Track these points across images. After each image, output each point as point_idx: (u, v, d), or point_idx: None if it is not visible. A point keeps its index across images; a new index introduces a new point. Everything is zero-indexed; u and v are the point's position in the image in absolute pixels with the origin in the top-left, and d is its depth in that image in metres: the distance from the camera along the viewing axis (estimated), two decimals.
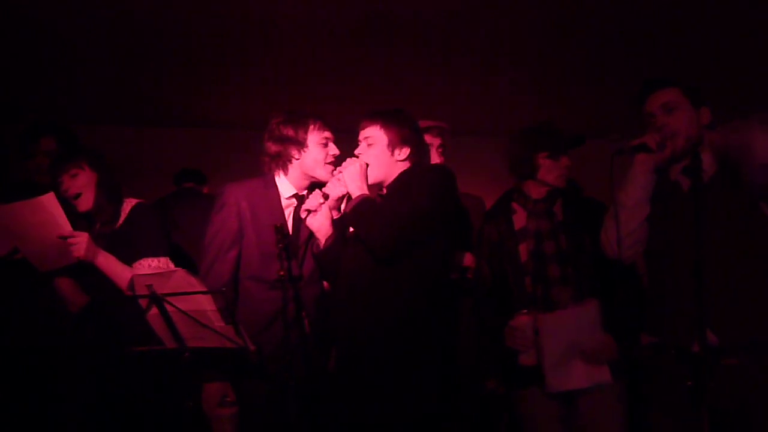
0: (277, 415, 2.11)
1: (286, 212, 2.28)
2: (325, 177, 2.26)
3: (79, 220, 2.38)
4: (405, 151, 2.20)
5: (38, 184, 2.51)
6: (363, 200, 2.08)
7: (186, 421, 2.08)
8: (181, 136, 4.55)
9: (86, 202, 2.40)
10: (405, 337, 2.02)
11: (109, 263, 2.31)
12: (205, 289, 1.92)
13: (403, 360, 2.00)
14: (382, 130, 2.18)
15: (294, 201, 2.29)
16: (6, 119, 3.58)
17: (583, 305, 2.16)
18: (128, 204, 2.46)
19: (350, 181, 2.12)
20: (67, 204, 2.37)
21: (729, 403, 1.79)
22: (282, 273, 2.00)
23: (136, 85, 3.82)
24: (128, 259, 2.34)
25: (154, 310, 1.96)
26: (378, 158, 2.18)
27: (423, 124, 2.51)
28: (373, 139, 2.19)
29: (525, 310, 2.19)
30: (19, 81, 3.60)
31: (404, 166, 2.20)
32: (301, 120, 2.24)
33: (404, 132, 2.20)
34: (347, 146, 2.27)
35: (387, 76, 3.77)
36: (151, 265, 2.31)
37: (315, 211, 2.20)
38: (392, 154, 2.19)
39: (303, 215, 2.22)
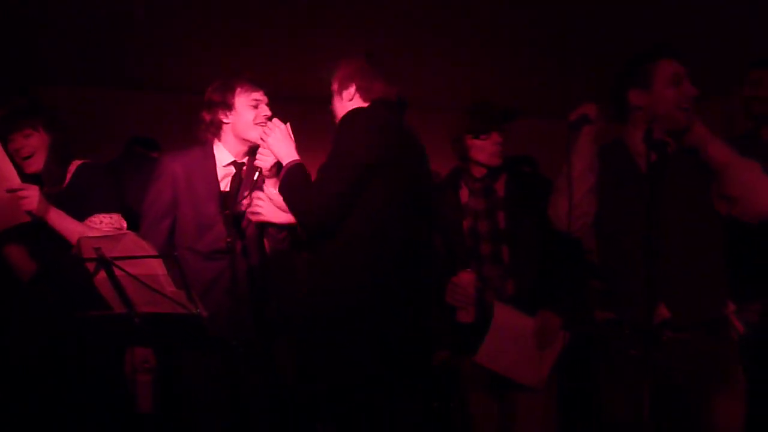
0: (226, 383, 2.10)
1: (224, 181, 2.24)
2: (257, 140, 2.19)
3: (25, 182, 2.28)
4: (350, 91, 2.04)
5: None
6: (289, 169, 1.97)
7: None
8: (136, 98, 4.42)
9: (35, 164, 2.33)
10: (334, 308, 1.94)
11: (61, 219, 2.25)
12: (156, 253, 1.87)
13: (332, 330, 1.94)
14: (336, 71, 2.08)
15: (232, 168, 2.25)
16: None
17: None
18: (73, 165, 2.41)
19: (276, 148, 2.01)
20: (13, 162, 2.29)
21: (674, 376, 1.85)
22: (228, 240, 1.98)
23: (94, 45, 3.67)
24: (78, 218, 2.29)
25: (102, 274, 1.90)
26: (335, 106, 2.09)
27: None
28: (332, 85, 2.08)
29: (468, 269, 2.23)
30: None
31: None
32: (228, 83, 2.21)
33: (350, 68, 2.05)
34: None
35: (354, 44, 3.69)
36: (103, 221, 2.28)
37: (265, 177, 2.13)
38: (342, 97, 2.06)
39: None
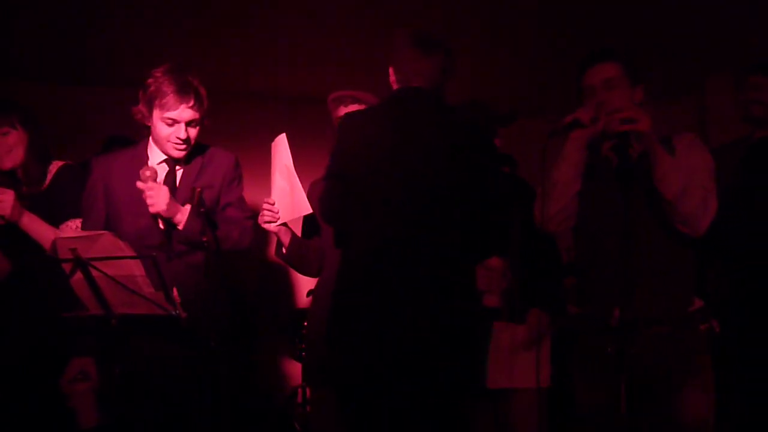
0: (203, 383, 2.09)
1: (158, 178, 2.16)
2: (175, 155, 2.15)
3: (2, 178, 2.27)
4: (391, 76, 2.07)
5: None
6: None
7: (116, 387, 2.03)
8: (112, 96, 4.35)
9: (12, 161, 2.29)
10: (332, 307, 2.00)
11: (33, 224, 2.20)
12: (134, 254, 1.85)
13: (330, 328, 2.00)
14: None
15: (165, 166, 2.19)
16: None
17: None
18: (54, 166, 2.37)
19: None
20: None
21: (646, 370, 1.88)
22: (205, 239, 1.95)
23: (69, 41, 3.60)
24: (54, 222, 2.25)
25: (78, 275, 1.88)
26: None
27: (333, 95, 2.48)
28: None
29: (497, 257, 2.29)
30: None
31: None
32: (150, 94, 2.10)
33: (391, 47, 2.05)
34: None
35: (351, 46, 3.67)
36: (78, 226, 2.23)
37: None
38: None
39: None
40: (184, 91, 2.08)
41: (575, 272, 2.07)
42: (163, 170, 2.18)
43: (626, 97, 1.93)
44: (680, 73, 4.04)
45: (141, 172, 2.06)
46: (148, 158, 2.18)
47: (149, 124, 2.15)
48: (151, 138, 2.19)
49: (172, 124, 2.10)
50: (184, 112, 2.09)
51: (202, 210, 2.02)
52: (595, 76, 1.95)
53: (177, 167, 2.19)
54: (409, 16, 3.19)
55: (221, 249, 2.12)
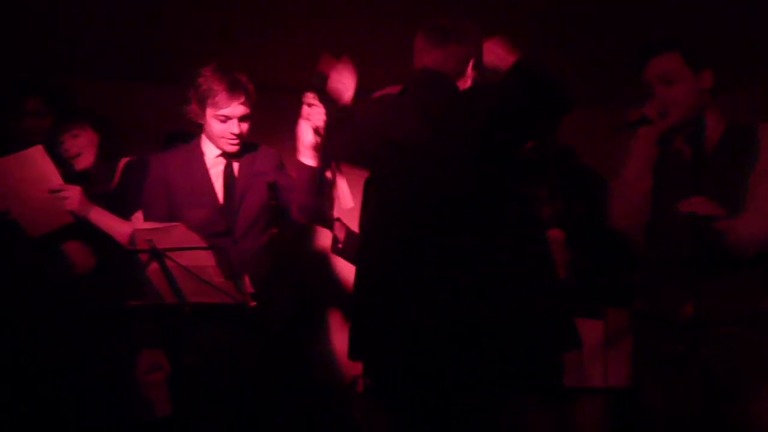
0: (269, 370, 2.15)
1: (215, 172, 2.24)
2: (229, 150, 2.21)
3: (75, 179, 2.35)
4: None
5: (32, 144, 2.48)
6: None
7: (188, 376, 2.11)
8: (173, 93, 4.47)
9: (84, 161, 2.39)
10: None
11: (103, 217, 2.28)
12: (205, 245, 1.93)
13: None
14: None
15: (223, 159, 2.25)
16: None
17: None
18: (122, 162, 2.47)
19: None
20: (64, 163, 2.35)
21: (722, 370, 1.81)
22: (275, 231, 2.00)
23: (136, 39, 3.72)
24: (126, 216, 2.33)
25: (154, 265, 1.97)
26: None
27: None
28: None
29: (558, 228, 2.25)
30: (13, 34, 3.50)
31: None
32: (202, 92, 2.15)
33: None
34: None
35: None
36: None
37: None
38: None
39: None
40: (234, 89, 2.14)
41: (644, 268, 2.00)
42: (220, 163, 2.25)
43: (690, 88, 1.85)
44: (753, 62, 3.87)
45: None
46: (203, 154, 2.26)
47: (202, 122, 2.22)
48: (204, 134, 2.27)
49: (225, 121, 2.16)
50: (236, 108, 2.16)
51: (273, 203, 2.06)
52: (653, 69, 1.87)
53: (234, 160, 2.27)
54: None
55: (301, 220, 2.19)
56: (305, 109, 2.00)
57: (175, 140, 3.73)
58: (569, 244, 2.26)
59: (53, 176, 2.20)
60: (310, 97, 1.98)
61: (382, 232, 1.82)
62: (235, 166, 2.27)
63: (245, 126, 2.22)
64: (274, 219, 2.01)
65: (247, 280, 1.98)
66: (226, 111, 2.15)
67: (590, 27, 3.58)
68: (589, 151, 2.60)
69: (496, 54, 1.85)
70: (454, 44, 1.85)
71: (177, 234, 1.93)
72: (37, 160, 2.17)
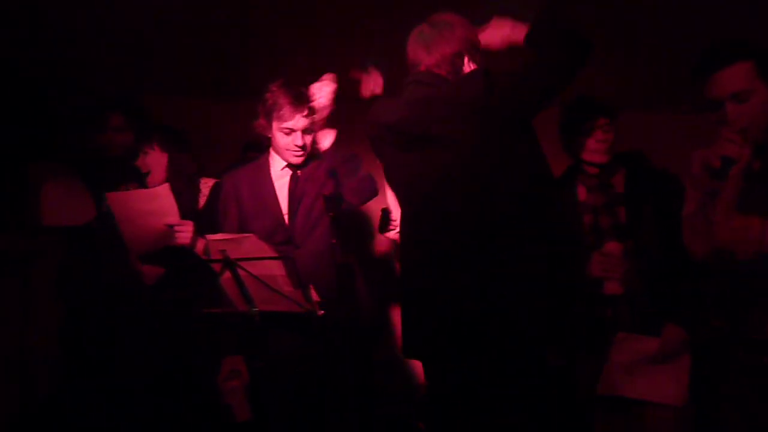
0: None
1: (280, 184, 2.33)
2: (294, 161, 2.30)
3: None
4: None
5: (111, 158, 2.58)
6: None
7: (258, 381, 2.18)
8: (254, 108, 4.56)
9: (154, 180, 2.46)
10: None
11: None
12: (276, 255, 1.99)
13: None
14: None
15: (288, 171, 2.34)
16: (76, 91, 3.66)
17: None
18: (205, 185, 2.55)
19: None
20: (140, 180, 2.45)
21: None
22: (334, 241, 2.05)
23: (216, 57, 3.83)
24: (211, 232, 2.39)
25: (227, 274, 2.05)
26: None
27: None
28: None
29: (614, 240, 2.18)
30: (88, 51, 3.66)
31: None
32: (269, 107, 2.26)
33: None
34: None
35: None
36: None
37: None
38: None
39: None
40: (298, 102, 2.25)
41: (717, 280, 1.91)
42: (286, 175, 2.34)
43: (765, 101, 1.66)
44: None
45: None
46: (269, 167, 2.36)
47: (270, 135, 2.32)
48: (272, 148, 2.36)
49: (289, 133, 2.26)
50: (299, 121, 2.25)
51: (330, 215, 2.11)
52: (721, 86, 1.66)
53: (298, 171, 2.35)
54: None
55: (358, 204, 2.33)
56: (316, 85, 2.19)
57: (251, 150, 3.85)
58: (630, 256, 2.18)
59: (173, 213, 2.28)
60: (326, 77, 2.18)
61: (409, 236, 1.88)
62: (300, 175, 2.35)
63: (309, 138, 2.31)
64: (334, 230, 2.05)
65: (313, 289, 2.03)
66: (289, 124, 2.25)
67: (659, 31, 3.49)
68: (662, 156, 2.52)
69: (503, 35, 1.81)
70: (441, 46, 1.86)
71: (249, 244, 2.01)
72: (162, 197, 2.26)
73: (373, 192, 2.37)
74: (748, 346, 1.79)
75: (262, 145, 3.94)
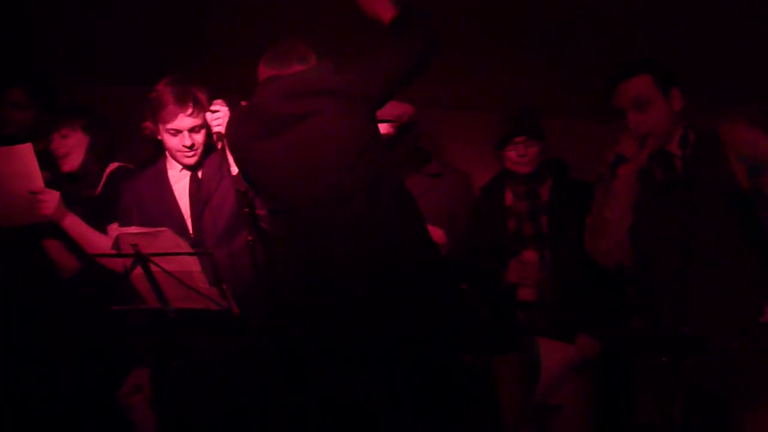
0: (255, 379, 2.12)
1: (180, 187, 2.22)
2: (187, 163, 2.19)
3: (60, 179, 2.36)
4: None
5: (5, 136, 2.46)
6: None
7: (175, 380, 2.08)
8: None
9: (71, 163, 2.38)
10: None
11: (76, 226, 2.25)
12: (191, 250, 1.92)
13: None
14: None
15: (187, 173, 2.24)
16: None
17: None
18: (110, 167, 2.45)
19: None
20: (52, 161, 2.34)
21: (708, 384, 1.82)
22: (250, 238, 1.98)
23: (138, 43, 3.70)
24: (106, 223, 2.31)
25: (138, 270, 1.95)
26: None
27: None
28: None
29: (531, 249, 2.24)
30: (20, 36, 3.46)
31: None
32: (155, 107, 2.14)
33: None
34: None
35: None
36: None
37: None
38: None
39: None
40: (181, 101, 2.11)
41: (634, 282, 2.01)
42: (185, 177, 2.24)
43: (662, 112, 1.82)
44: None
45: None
46: (167, 171, 2.25)
47: (159, 138, 2.20)
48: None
49: (176, 134, 2.14)
50: (183, 120, 2.12)
51: (246, 210, 2.03)
52: (623, 95, 1.83)
53: (198, 171, 2.24)
54: None
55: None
56: (208, 115, 2.08)
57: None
58: (547, 264, 2.25)
59: (35, 177, 2.18)
60: (216, 104, 2.07)
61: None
62: (201, 175, 2.24)
63: (199, 137, 2.18)
64: (249, 226, 1.99)
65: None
66: (174, 124, 2.13)
67: (581, 41, 3.61)
68: (581, 165, 2.61)
69: (372, 7, 1.82)
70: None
71: (163, 239, 1.92)
72: (24, 158, 2.15)
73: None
74: (659, 346, 1.88)
75: None
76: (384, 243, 1.74)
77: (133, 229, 1.98)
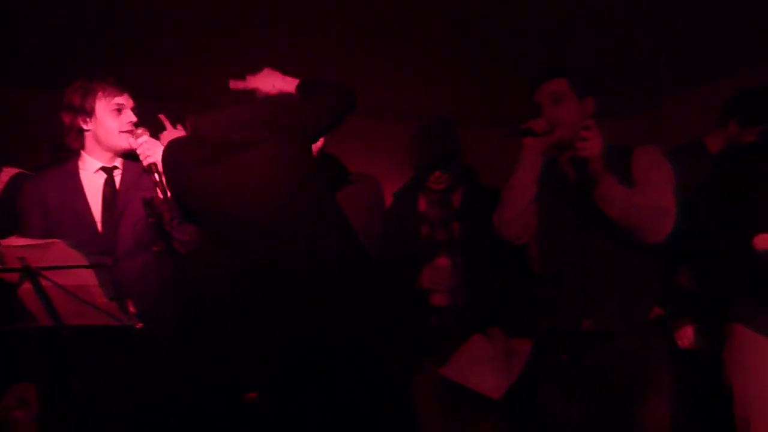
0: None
1: (93, 188, 2.11)
2: (123, 147, 2.10)
3: None
4: None
5: None
6: None
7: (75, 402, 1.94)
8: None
9: None
10: None
11: None
12: (87, 263, 1.79)
13: None
14: None
15: (102, 174, 2.13)
16: None
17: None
18: (6, 174, 2.31)
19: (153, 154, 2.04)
20: None
21: (605, 379, 1.90)
22: (156, 249, 1.90)
23: (28, 46, 3.49)
24: (5, 232, 2.13)
25: (26, 285, 1.80)
26: None
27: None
28: None
29: (444, 255, 2.29)
30: None
31: None
32: (87, 86, 2.07)
33: None
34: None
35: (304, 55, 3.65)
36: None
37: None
38: None
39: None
40: (120, 82, 2.08)
41: (543, 284, 2.07)
42: (99, 178, 2.12)
43: (574, 109, 1.98)
44: (640, 91, 4.19)
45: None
46: (78, 171, 2.12)
47: (90, 128, 2.08)
48: (86, 148, 2.12)
49: (120, 111, 2.07)
50: (129, 100, 2.09)
51: (151, 220, 1.95)
52: (544, 91, 2.02)
53: (114, 173, 2.14)
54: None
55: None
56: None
57: (63, 150, 3.53)
58: (459, 270, 2.30)
59: None
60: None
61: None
62: (117, 179, 2.13)
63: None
64: (156, 236, 1.89)
65: (130, 301, 1.86)
66: (120, 99, 2.07)
67: (490, 53, 3.75)
68: (488, 171, 2.68)
69: (274, 83, 2.00)
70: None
71: (55, 251, 1.78)
72: None
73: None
74: (561, 344, 1.96)
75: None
76: (322, 258, 1.78)
77: (21, 241, 1.83)
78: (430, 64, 3.96)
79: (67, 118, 2.09)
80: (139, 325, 1.82)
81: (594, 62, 3.05)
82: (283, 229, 1.78)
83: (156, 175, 1.96)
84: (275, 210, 1.79)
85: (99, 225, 2.07)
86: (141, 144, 2.01)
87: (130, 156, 2.13)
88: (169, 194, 1.93)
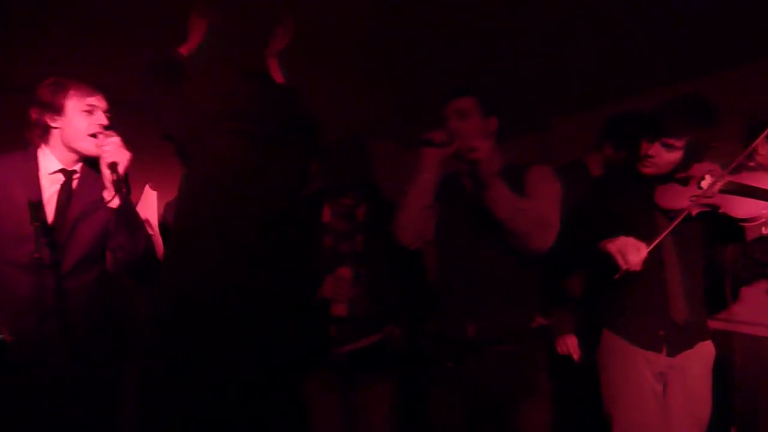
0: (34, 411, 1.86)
1: (50, 189, 2.00)
2: (89, 151, 2.02)
3: None
4: None
5: None
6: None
7: None
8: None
9: None
10: None
11: None
12: None
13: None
14: None
15: (61, 176, 2.02)
16: None
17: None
18: None
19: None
20: None
21: (492, 388, 1.98)
22: (36, 255, 1.79)
23: None
24: None
25: None
26: None
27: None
28: None
29: (346, 266, 2.31)
30: None
31: None
32: (60, 83, 1.99)
33: None
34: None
35: None
36: None
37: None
38: None
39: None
40: (91, 85, 2.03)
41: (435, 291, 2.13)
42: (57, 181, 1.99)
43: (477, 126, 2.08)
44: (529, 114, 4.42)
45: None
46: (38, 166, 1.99)
47: (57, 125, 1.98)
48: (48, 143, 2.01)
49: (92, 112, 2.00)
50: (101, 101, 2.03)
51: (36, 224, 1.83)
52: (451, 106, 2.11)
53: (74, 176, 2.03)
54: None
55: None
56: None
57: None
58: (360, 281, 2.33)
59: None
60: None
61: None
62: (75, 185, 2.01)
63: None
64: (36, 241, 1.77)
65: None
66: (92, 100, 2.01)
67: (400, 70, 3.81)
68: (389, 186, 2.72)
69: None
70: None
71: None
72: None
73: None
74: (446, 350, 2.03)
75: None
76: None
77: None
78: (343, 77, 3.97)
79: (34, 114, 1.97)
80: (9, 339, 1.68)
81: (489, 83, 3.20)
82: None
83: (114, 176, 1.90)
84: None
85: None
86: (109, 144, 1.93)
87: (90, 162, 2.03)
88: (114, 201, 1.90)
